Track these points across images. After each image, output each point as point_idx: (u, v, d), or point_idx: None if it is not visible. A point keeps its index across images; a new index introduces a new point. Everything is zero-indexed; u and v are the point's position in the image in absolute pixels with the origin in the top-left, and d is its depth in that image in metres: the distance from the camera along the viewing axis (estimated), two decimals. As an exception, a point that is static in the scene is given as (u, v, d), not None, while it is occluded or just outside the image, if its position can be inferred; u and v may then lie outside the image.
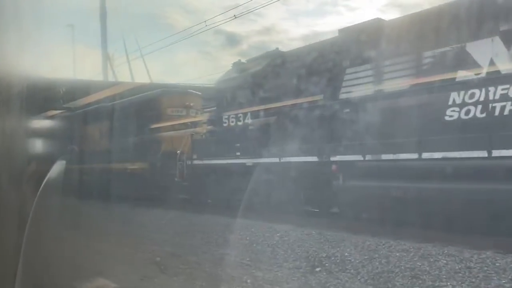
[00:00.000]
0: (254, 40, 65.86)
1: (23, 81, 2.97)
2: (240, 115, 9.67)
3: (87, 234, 8.99)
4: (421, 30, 6.71)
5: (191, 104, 13.35)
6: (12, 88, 2.69)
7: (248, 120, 9.46)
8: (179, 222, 10.08)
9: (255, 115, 9.39)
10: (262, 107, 9.18)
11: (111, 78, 25.98)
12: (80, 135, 17.06)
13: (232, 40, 64.08)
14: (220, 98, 10.71)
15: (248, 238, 7.97)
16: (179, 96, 13.78)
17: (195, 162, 10.97)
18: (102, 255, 7.70)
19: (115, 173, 14.11)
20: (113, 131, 15.15)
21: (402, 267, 5.66)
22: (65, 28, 27.38)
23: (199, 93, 14.33)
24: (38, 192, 4.08)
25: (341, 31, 8.19)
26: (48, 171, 4.92)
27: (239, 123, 9.74)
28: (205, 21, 14.07)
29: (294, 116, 8.36)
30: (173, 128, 12.92)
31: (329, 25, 69.74)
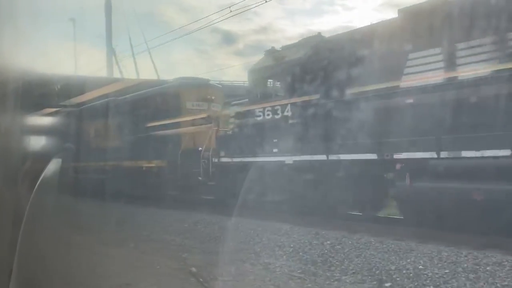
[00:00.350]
0: (251, 39, 65.64)
1: (22, 77, 2.95)
2: (278, 107, 8.69)
3: (102, 239, 8.19)
4: (508, 6, 5.77)
5: (212, 97, 12.35)
6: (10, 85, 2.61)
7: (288, 113, 8.48)
8: (206, 226, 9.20)
9: (296, 107, 8.40)
10: (305, 98, 8.21)
11: (114, 74, 24.99)
12: (87, 132, 16.13)
13: (229, 38, 63.84)
14: (253, 89, 9.73)
15: (291, 245, 7.08)
16: (199, 88, 12.72)
17: (223, 159, 9.99)
18: (124, 263, 6.92)
19: (128, 172, 13.20)
20: (125, 127, 14.21)
21: (499, 285, 4.78)
22: (66, 23, 26.37)
23: (220, 86, 13.37)
24: (34, 190, 3.99)
25: (401, 11, 7.23)
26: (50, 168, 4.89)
27: (277, 117, 8.76)
28: (229, 7, 13.16)
29: (344, 108, 7.41)
30: (193, 123, 11.92)
31: (326, 24, 69.79)
